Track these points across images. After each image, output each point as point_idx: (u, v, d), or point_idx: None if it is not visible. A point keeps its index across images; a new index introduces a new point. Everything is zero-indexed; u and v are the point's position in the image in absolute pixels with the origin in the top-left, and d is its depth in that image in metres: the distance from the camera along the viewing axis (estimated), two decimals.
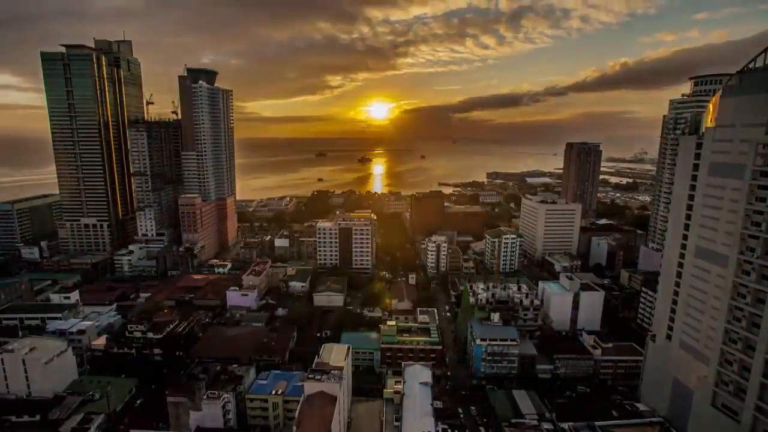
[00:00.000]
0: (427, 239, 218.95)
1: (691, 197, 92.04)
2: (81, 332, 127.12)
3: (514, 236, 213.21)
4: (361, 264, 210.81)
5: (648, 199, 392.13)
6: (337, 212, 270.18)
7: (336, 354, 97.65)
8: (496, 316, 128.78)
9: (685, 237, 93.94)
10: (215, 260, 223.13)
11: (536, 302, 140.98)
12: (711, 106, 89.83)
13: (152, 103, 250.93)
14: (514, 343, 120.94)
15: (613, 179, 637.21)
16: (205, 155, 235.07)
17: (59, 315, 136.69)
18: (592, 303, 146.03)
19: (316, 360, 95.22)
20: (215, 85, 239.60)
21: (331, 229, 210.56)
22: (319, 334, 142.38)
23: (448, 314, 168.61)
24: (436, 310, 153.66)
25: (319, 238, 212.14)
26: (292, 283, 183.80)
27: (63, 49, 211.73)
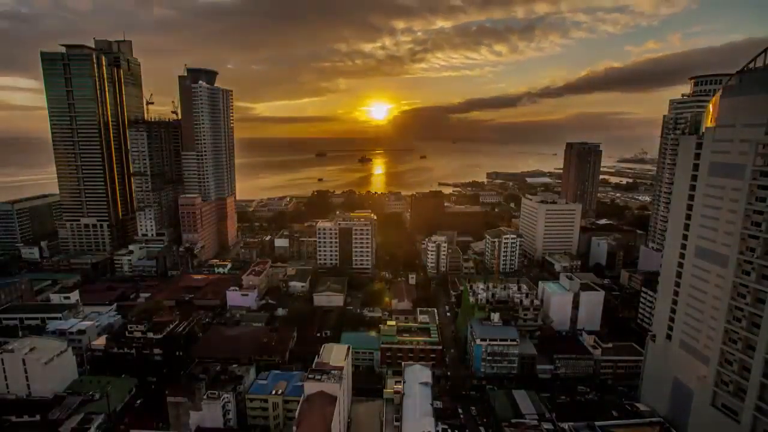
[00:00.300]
0: (427, 239, 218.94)
1: (691, 197, 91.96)
2: (81, 332, 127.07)
3: (514, 236, 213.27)
4: (361, 264, 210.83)
5: (648, 199, 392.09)
6: (337, 212, 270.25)
7: (336, 354, 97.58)
8: (496, 316, 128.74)
9: (685, 237, 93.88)
10: (215, 260, 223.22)
11: (536, 302, 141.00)
12: (711, 106, 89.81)
13: (152, 103, 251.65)
14: (514, 343, 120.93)
15: (613, 179, 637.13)
16: (205, 155, 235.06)
17: (59, 315, 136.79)
18: (592, 303, 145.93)
19: (316, 360, 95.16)
20: (215, 85, 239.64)
21: (331, 229, 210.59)
22: (319, 334, 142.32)
23: (448, 314, 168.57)
24: (436, 310, 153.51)
25: (319, 238, 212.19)
26: (292, 283, 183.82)
27: (63, 49, 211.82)
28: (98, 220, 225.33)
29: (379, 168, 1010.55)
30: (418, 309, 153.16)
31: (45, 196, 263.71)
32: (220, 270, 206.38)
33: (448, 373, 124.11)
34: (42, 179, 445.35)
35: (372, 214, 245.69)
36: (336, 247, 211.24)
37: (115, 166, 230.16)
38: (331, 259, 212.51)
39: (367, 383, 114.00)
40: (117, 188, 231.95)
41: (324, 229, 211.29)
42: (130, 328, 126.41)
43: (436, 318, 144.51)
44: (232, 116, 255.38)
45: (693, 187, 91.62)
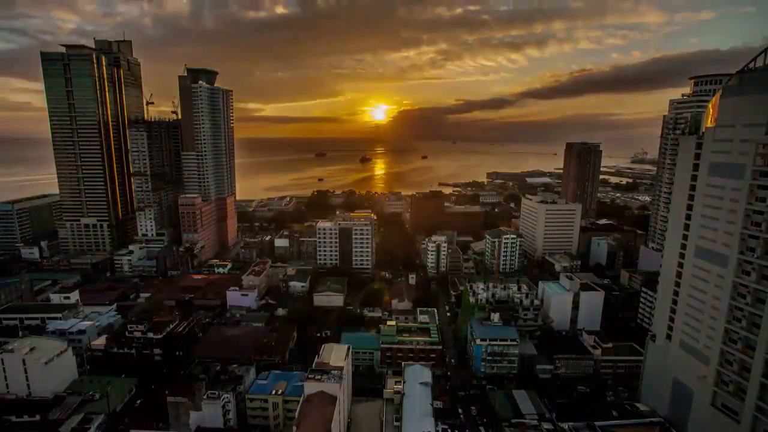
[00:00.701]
0: (427, 239, 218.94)
1: (691, 197, 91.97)
2: (81, 332, 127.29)
3: (514, 236, 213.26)
4: (361, 264, 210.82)
5: (648, 199, 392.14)
6: (337, 212, 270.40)
7: (336, 354, 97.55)
8: (496, 316, 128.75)
9: (685, 237, 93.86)
10: (215, 260, 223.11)
11: (536, 302, 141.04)
12: (711, 107, 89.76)
13: (152, 103, 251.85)
14: (514, 343, 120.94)
15: (613, 179, 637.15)
16: (205, 155, 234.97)
17: (59, 315, 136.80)
18: (592, 303, 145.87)
19: (316, 360, 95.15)
20: (215, 84, 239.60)
21: (331, 229, 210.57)
22: (319, 334, 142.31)
23: (448, 314, 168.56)
24: (436, 310, 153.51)
25: (319, 238, 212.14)
26: (292, 283, 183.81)
27: (63, 49, 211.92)
28: (98, 220, 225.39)
29: (379, 168, 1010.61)
30: (418, 309, 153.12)
31: (45, 196, 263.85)
32: (220, 270, 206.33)
33: (448, 373, 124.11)
34: (42, 179, 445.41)
35: (372, 214, 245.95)
36: (336, 247, 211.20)
37: (115, 166, 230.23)
38: (331, 259, 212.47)
39: (367, 383, 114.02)
40: (117, 188, 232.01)
41: (324, 229, 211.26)
42: (130, 328, 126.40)
43: (436, 318, 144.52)
44: (232, 116, 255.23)
45: (693, 187, 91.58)
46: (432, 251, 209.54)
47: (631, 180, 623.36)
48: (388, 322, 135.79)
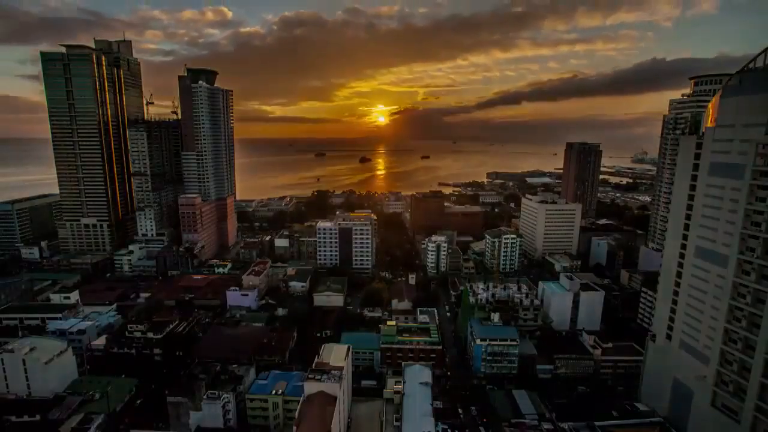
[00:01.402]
0: (427, 239, 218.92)
1: (691, 197, 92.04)
2: (81, 332, 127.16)
3: (514, 236, 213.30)
4: (361, 264, 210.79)
5: (648, 199, 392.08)
6: (337, 212, 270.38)
7: (336, 354, 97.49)
8: (496, 316, 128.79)
9: (685, 237, 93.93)
10: (215, 260, 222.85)
11: (536, 302, 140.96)
12: (711, 107, 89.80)
13: (152, 103, 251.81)
14: (514, 343, 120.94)
15: (613, 179, 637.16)
16: (205, 155, 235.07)
17: (59, 315, 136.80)
18: (592, 303, 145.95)
19: (316, 360, 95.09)
20: (215, 84, 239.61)
21: (331, 229, 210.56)
22: (319, 334, 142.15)
23: (448, 314, 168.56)
24: (436, 310, 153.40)
25: (319, 238, 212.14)
26: (292, 283, 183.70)
27: (63, 49, 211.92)
28: (98, 220, 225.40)
29: (381, 168, 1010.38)
30: (418, 309, 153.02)
31: (45, 196, 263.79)
32: (220, 270, 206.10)
33: (448, 373, 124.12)
34: (42, 179, 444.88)
35: (372, 214, 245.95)
36: (336, 247, 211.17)
37: (115, 166, 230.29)
38: (331, 259, 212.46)
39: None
40: (117, 188, 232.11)
41: (324, 229, 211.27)
42: (130, 328, 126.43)
43: (436, 318, 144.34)
44: (232, 116, 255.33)
45: (693, 187, 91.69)
46: (432, 251, 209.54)
47: (631, 180, 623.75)
48: (388, 322, 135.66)
